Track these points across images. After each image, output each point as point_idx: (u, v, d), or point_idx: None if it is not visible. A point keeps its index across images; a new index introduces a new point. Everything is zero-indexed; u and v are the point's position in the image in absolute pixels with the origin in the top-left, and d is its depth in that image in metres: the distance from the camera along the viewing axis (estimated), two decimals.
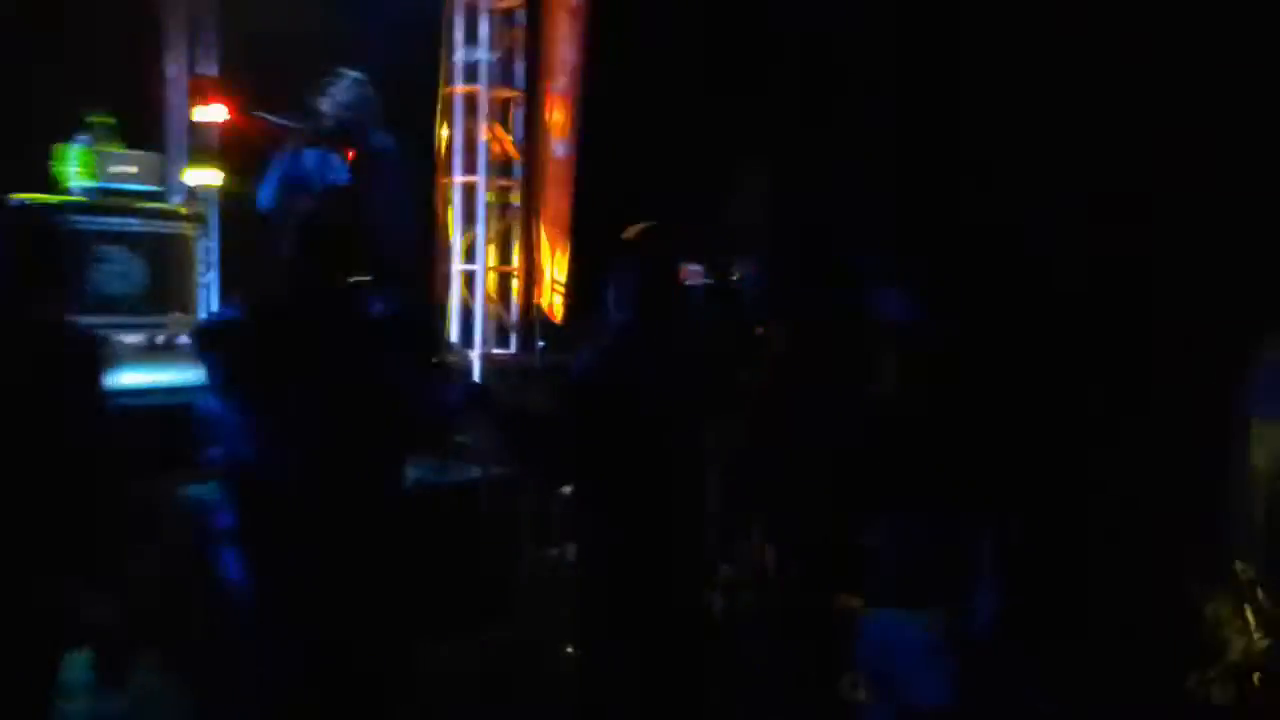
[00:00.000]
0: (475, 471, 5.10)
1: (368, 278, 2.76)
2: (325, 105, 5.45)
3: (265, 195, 5.41)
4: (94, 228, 6.48)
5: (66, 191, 6.92)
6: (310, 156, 5.35)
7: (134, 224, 6.74)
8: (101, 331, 3.14)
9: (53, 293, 2.64)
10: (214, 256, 8.35)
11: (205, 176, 7.50)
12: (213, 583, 2.87)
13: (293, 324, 2.75)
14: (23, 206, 3.54)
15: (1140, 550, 4.19)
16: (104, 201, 6.68)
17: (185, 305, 7.65)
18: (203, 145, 8.28)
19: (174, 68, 8.83)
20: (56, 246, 2.74)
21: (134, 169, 6.97)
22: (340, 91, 5.41)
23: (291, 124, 5.53)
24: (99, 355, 2.69)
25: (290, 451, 2.70)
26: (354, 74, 5.49)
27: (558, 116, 6.67)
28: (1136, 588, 4.00)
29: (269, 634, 2.78)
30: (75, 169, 6.98)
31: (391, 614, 2.92)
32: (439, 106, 6.84)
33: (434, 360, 3.04)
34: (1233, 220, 4.99)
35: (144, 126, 8.28)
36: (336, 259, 2.75)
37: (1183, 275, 5.07)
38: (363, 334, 2.82)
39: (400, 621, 3.00)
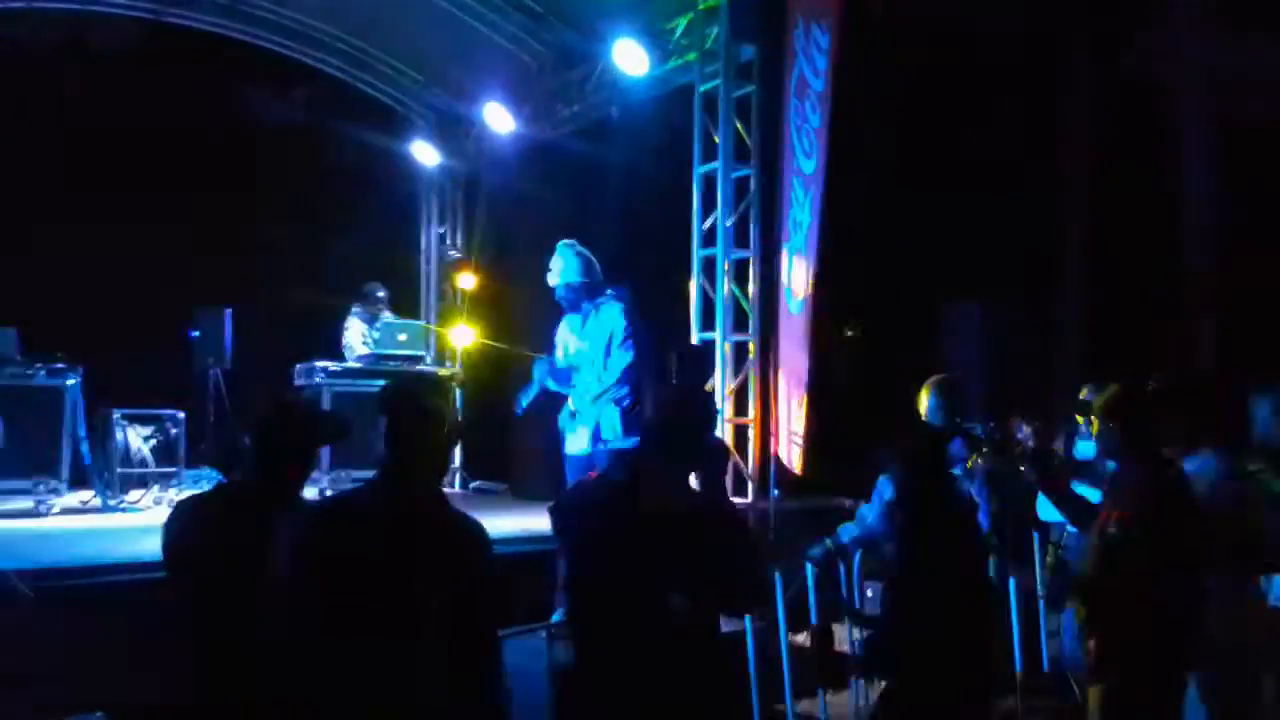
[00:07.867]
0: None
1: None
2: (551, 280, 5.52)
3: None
4: (371, 390, 7.10)
5: (347, 358, 7.70)
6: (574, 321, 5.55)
7: None
8: None
9: None
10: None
11: (463, 338, 8.19)
12: None
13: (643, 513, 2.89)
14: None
15: None
16: (379, 367, 7.36)
17: None
18: (453, 310, 9.12)
19: (429, 241, 9.82)
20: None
21: (403, 336, 7.66)
22: (557, 263, 5.50)
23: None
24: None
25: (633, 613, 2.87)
26: (565, 243, 5.56)
27: (793, 276, 6.94)
28: None
29: None
30: (353, 337, 7.76)
31: None
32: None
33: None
34: None
35: (400, 293, 9.21)
36: (686, 452, 2.94)
37: None
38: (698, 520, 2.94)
39: None
